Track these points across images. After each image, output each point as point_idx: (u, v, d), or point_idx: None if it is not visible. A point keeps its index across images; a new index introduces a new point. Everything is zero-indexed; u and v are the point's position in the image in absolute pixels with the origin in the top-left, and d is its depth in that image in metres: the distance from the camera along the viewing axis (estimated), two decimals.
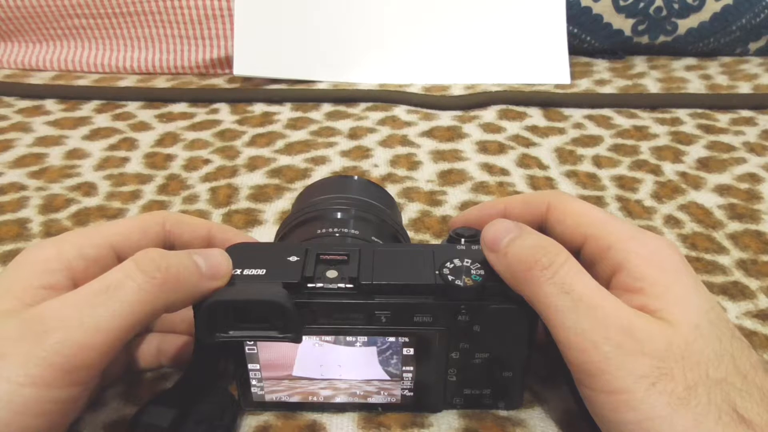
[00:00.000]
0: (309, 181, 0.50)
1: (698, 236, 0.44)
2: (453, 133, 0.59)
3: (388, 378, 0.28)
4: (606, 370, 0.23)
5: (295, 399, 0.29)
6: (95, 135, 0.59)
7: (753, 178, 0.51)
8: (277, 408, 0.30)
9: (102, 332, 0.22)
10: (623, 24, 0.76)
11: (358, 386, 0.29)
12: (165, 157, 0.55)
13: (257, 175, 0.52)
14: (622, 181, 0.51)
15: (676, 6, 0.74)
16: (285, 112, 0.64)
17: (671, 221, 0.46)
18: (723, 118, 0.62)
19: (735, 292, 0.38)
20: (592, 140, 0.58)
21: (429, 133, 0.59)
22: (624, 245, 0.25)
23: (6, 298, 0.24)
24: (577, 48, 0.77)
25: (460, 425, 0.29)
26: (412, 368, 0.28)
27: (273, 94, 0.67)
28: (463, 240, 0.29)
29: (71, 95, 0.67)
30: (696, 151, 0.56)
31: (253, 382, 0.29)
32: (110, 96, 0.67)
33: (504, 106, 0.64)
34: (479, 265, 0.26)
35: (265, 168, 0.53)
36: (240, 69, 0.70)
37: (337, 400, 0.29)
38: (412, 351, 0.27)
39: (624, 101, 0.65)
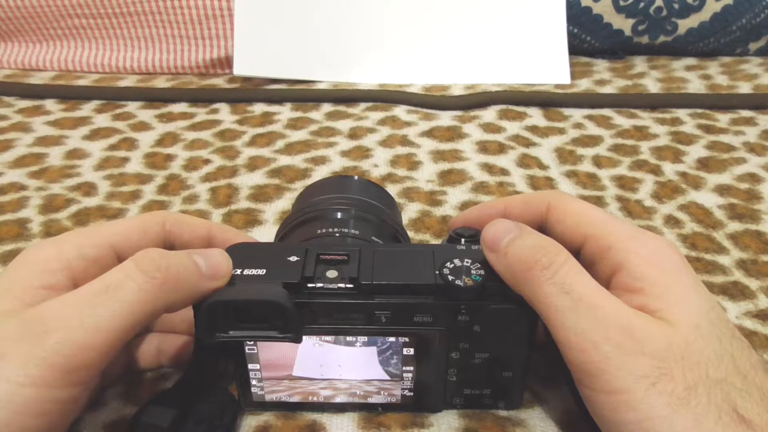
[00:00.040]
0: (309, 181, 0.50)
1: (698, 236, 0.44)
2: (453, 133, 0.59)
3: (388, 378, 0.28)
4: (606, 370, 0.23)
5: (295, 399, 0.29)
6: (95, 135, 0.59)
7: (753, 178, 0.51)
8: (277, 408, 0.30)
9: (102, 332, 0.22)
10: (623, 24, 0.76)
11: (358, 386, 0.29)
12: (165, 157, 0.55)
13: (257, 175, 0.52)
14: (622, 181, 0.51)
15: (676, 6, 0.74)
16: (285, 112, 0.64)
17: (671, 221, 0.46)
18: (723, 118, 0.62)
19: (735, 292, 0.38)
20: (592, 140, 0.58)
21: (429, 133, 0.59)
22: (624, 245, 0.25)
23: (6, 298, 0.24)
24: (577, 48, 0.77)
25: (460, 425, 0.29)
26: (412, 368, 0.28)
27: (273, 94, 0.67)
28: (463, 240, 0.29)
29: (71, 95, 0.67)
30: (696, 151, 0.56)
31: (253, 382, 0.29)
32: (110, 96, 0.67)
33: (504, 106, 0.64)
34: (479, 265, 0.26)
35: (265, 168, 0.53)
36: (240, 69, 0.70)
37: (337, 400, 0.29)
38: (412, 351, 0.27)
39: (624, 101, 0.65)
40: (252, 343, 0.27)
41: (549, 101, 0.65)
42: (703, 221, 0.46)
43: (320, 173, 0.52)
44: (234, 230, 0.31)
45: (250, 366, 0.28)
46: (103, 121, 0.62)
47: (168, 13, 0.74)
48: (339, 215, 0.33)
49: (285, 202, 0.48)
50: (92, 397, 0.29)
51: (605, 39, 0.77)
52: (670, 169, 0.53)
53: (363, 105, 0.65)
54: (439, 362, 0.28)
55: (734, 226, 0.45)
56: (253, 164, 0.53)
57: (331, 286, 0.26)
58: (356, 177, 0.40)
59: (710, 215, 0.46)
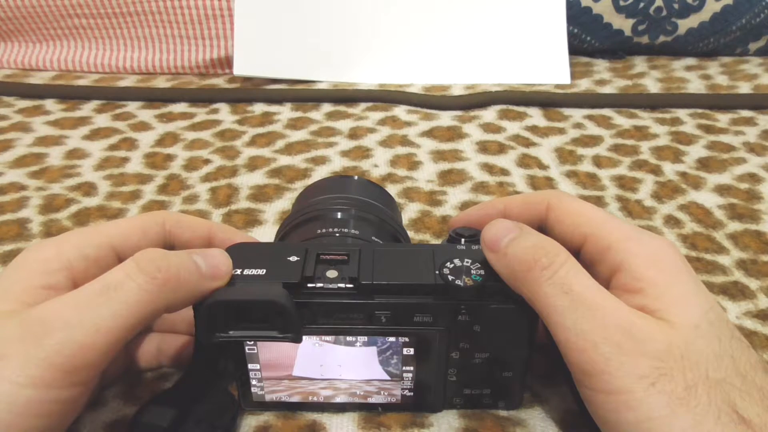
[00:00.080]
0: (309, 181, 0.50)
1: (698, 236, 0.44)
2: (453, 133, 0.59)
3: (388, 378, 0.28)
4: (606, 371, 0.23)
5: (295, 399, 0.29)
6: (95, 135, 0.59)
7: (753, 178, 0.51)
8: (277, 408, 0.30)
9: (102, 332, 0.22)
10: (623, 24, 0.76)
11: (358, 386, 0.29)
12: (165, 157, 0.55)
13: (257, 175, 0.52)
14: (622, 181, 0.51)
15: (676, 6, 0.74)
16: (285, 112, 0.64)
17: (671, 221, 0.46)
18: (723, 118, 0.62)
19: (735, 292, 0.38)
20: (592, 140, 0.58)
21: (429, 133, 0.59)
22: (624, 245, 0.25)
23: (6, 298, 0.24)
24: (577, 48, 0.77)
25: (460, 425, 0.29)
26: (412, 368, 0.28)
27: (273, 94, 0.67)
28: (463, 240, 0.29)
29: (71, 95, 0.67)
30: (696, 151, 0.56)
31: (253, 382, 0.29)
32: (110, 96, 0.67)
33: (504, 106, 0.64)
34: (479, 265, 0.26)
35: (265, 168, 0.53)
36: (240, 69, 0.70)
37: (337, 400, 0.29)
38: (412, 351, 0.27)
39: (624, 101, 0.65)
40: (252, 343, 0.27)
41: (549, 101, 0.65)
42: (703, 221, 0.46)
43: (320, 173, 0.52)
44: (234, 230, 0.31)
45: (250, 366, 0.28)
46: (103, 121, 0.62)
47: (168, 13, 0.74)
48: (339, 215, 0.33)
49: (285, 202, 0.48)
50: (92, 397, 0.29)
51: (605, 39, 0.77)
52: (670, 169, 0.53)
53: (363, 105, 0.65)
54: (439, 362, 0.28)
55: (734, 226, 0.45)
56: (253, 164, 0.53)
57: (331, 286, 0.26)
58: (356, 177, 0.40)
59: (710, 215, 0.46)
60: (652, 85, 0.70)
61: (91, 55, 0.77)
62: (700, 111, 0.63)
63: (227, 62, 0.75)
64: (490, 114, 0.63)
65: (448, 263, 0.26)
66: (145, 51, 0.76)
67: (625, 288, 0.25)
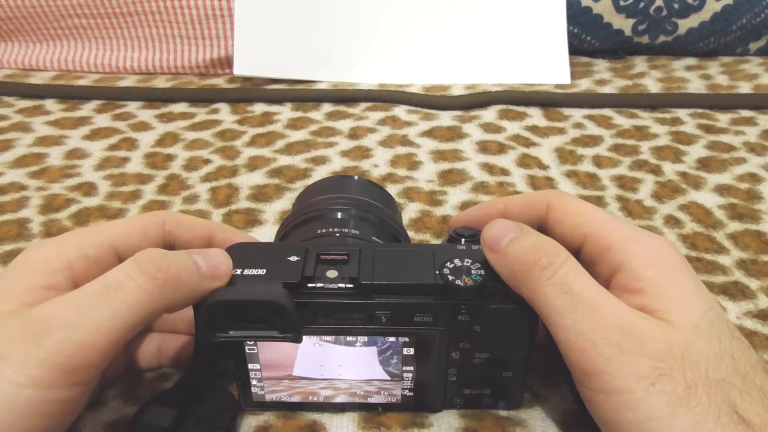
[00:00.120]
0: (309, 181, 0.50)
1: (698, 236, 0.44)
2: (453, 133, 0.59)
3: (389, 378, 0.28)
4: (606, 371, 0.23)
5: (296, 399, 0.29)
6: (95, 135, 0.59)
7: (753, 178, 0.51)
8: (277, 408, 0.30)
9: (102, 332, 0.22)
10: (623, 24, 0.76)
11: (358, 386, 0.29)
12: (165, 157, 0.55)
13: (257, 175, 0.52)
14: (622, 181, 0.51)
15: (676, 6, 0.74)
16: (285, 112, 0.64)
17: (671, 221, 0.46)
18: (723, 118, 0.62)
19: (735, 292, 0.38)
20: (593, 140, 0.58)
21: (429, 133, 0.59)
22: (624, 245, 0.25)
23: (6, 298, 0.24)
24: (577, 48, 0.77)
25: (460, 425, 0.29)
26: (412, 368, 0.28)
27: (273, 94, 0.67)
28: (463, 240, 0.29)
29: (71, 95, 0.67)
30: (696, 151, 0.56)
31: (253, 382, 0.29)
32: (110, 96, 0.67)
33: (504, 106, 0.64)
34: (479, 265, 0.26)
35: (265, 168, 0.53)
36: (240, 69, 0.70)
37: (338, 400, 0.29)
38: (412, 351, 0.27)
39: (624, 101, 0.65)
40: (252, 343, 0.27)
41: (549, 101, 0.65)
42: (704, 221, 0.46)
43: (320, 173, 0.52)
44: (234, 230, 0.31)
45: (250, 366, 0.28)
46: (103, 121, 0.62)
47: (168, 13, 0.74)
48: (339, 215, 0.33)
49: (285, 202, 0.48)
50: (92, 397, 0.29)
51: (605, 39, 0.77)
52: (670, 169, 0.53)
53: (363, 105, 0.65)
54: (439, 362, 0.28)
55: (734, 226, 0.45)
56: (253, 164, 0.53)
57: (331, 285, 0.26)
58: (356, 177, 0.40)
59: (710, 215, 0.46)
60: (652, 85, 0.70)
61: (91, 55, 0.77)
62: (700, 111, 0.63)
63: (227, 62, 0.75)
64: (490, 114, 0.63)
65: (448, 263, 0.26)
66: (145, 51, 0.76)
67: (625, 288, 0.25)
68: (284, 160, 0.54)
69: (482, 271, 0.26)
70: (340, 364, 0.28)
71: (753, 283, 0.39)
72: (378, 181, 0.50)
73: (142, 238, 0.28)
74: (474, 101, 0.65)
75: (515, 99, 0.65)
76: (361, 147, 0.56)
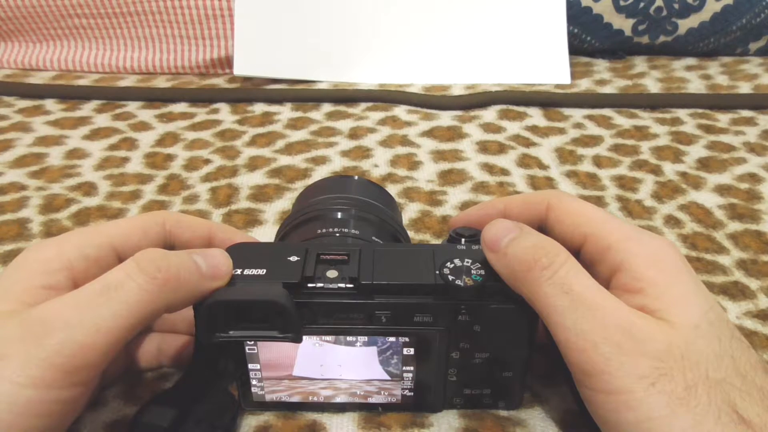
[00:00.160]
0: (309, 181, 0.50)
1: (698, 236, 0.44)
2: (453, 133, 0.59)
3: (389, 378, 0.28)
4: (605, 371, 0.23)
5: (296, 399, 0.29)
6: (95, 135, 0.59)
7: (753, 178, 0.51)
8: (277, 408, 0.30)
9: (103, 332, 0.22)
10: (623, 24, 0.76)
11: (358, 386, 0.29)
12: (165, 157, 0.55)
13: (257, 175, 0.52)
14: (622, 181, 0.51)
15: (676, 6, 0.74)
16: (285, 112, 0.64)
17: (671, 221, 0.46)
18: (723, 118, 0.62)
19: (735, 292, 0.38)
20: (593, 140, 0.58)
21: (429, 133, 0.59)
22: (624, 245, 0.25)
23: (6, 298, 0.24)
24: (577, 48, 0.77)
25: (460, 425, 0.29)
26: (412, 368, 0.28)
27: (273, 94, 0.67)
28: (463, 240, 0.29)
29: (71, 95, 0.67)
30: (696, 151, 0.56)
31: (254, 382, 0.29)
32: (110, 96, 0.67)
33: (504, 106, 0.64)
34: (479, 265, 0.26)
35: (266, 168, 0.53)
36: (240, 69, 0.70)
37: (338, 400, 0.29)
38: (412, 351, 0.27)
39: (624, 101, 0.65)
40: (252, 343, 0.27)
41: (549, 101, 0.65)
42: (703, 221, 0.46)
43: (320, 173, 0.52)
44: (234, 230, 0.31)
45: (250, 366, 0.28)
46: (103, 121, 0.62)
47: (168, 13, 0.74)
48: (339, 215, 0.33)
49: (285, 202, 0.48)
50: (92, 397, 0.29)
51: (605, 39, 0.77)
52: (670, 169, 0.53)
53: (363, 105, 0.65)
54: (440, 362, 0.28)
55: (734, 226, 0.45)
56: (253, 164, 0.53)
57: (331, 285, 0.26)
58: (356, 177, 0.40)
59: (710, 215, 0.46)
60: (652, 85, 0.70)
61: (91, 55, 0.77)
62: (700, 111, 0.63)
63: (227, 62, 0.75)
64: (490, 114, 0.63)
65: (449, 263, 0.26)
66: (145, 51, 0.76)
67: (625, 288, 0.25)
68: (284, 160, 0.54)
69: (482, 271, 0.26)
70: (340, 364, 0.28)
71: (753, 283, 0.39)
72: (378, 181, 0.50)
73: (142, 238, 0.28)
74: (474, 101, 0.65)
75: (515, 99, 0.65)
76: (361, 147, 0.56)
